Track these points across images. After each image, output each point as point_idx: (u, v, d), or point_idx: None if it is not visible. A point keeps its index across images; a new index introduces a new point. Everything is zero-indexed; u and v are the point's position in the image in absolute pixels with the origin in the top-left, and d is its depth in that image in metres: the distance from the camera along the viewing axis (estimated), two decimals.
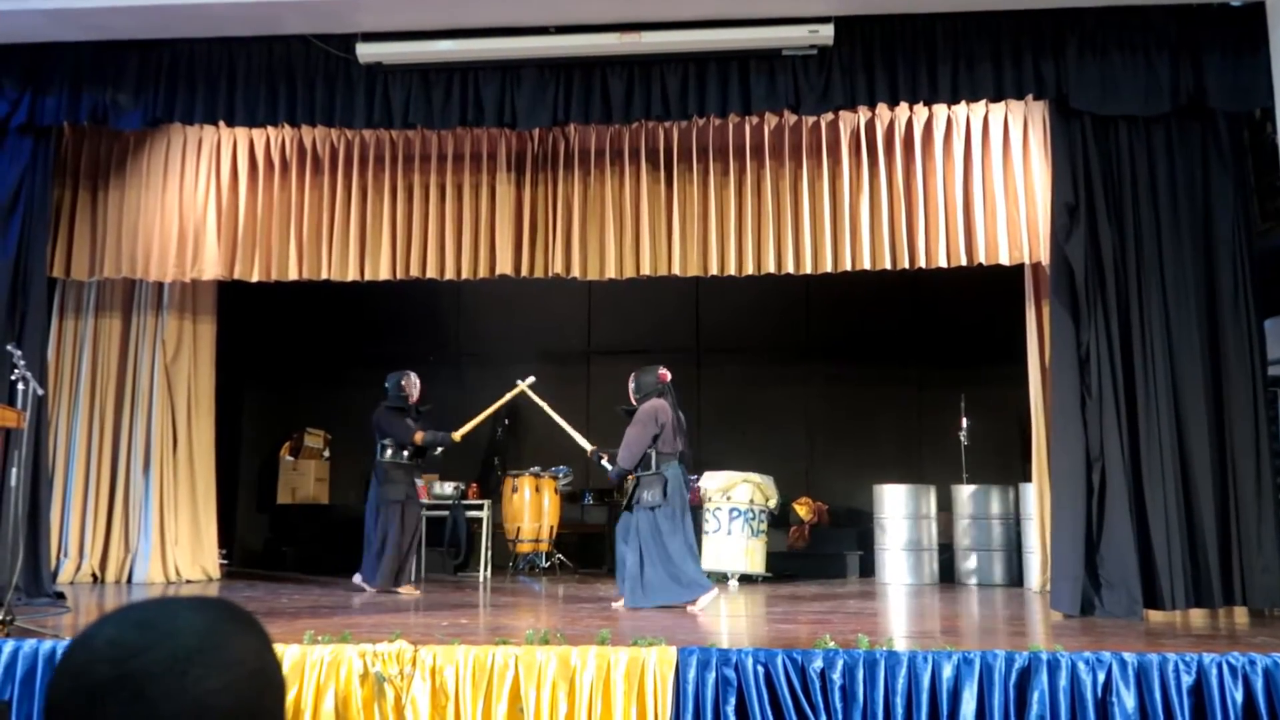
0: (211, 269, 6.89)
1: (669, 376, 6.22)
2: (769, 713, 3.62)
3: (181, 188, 6.94)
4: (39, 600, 5.72)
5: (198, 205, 6.92)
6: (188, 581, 7.39)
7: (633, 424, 6.05)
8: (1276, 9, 5.52)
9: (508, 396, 7.32)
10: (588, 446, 6.60)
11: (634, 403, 6.18)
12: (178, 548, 7.46)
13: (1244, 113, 5.91)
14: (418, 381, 7.24)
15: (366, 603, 6.25)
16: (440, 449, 7.24)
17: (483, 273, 6.82)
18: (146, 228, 6.89)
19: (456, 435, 7.20)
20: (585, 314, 9.68)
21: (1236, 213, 5.68)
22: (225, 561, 8.05)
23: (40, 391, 5.62)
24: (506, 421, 9.43)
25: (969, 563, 7.89)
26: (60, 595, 5.92)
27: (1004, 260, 6.39)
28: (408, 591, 6.86)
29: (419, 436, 7.06)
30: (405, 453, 7.08)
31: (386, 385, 7.18)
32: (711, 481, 7.99)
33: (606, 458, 6.34)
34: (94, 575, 7.30)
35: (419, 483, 7.54)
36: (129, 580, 7.30)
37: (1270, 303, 5.87)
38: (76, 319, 7.56)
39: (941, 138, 6.54)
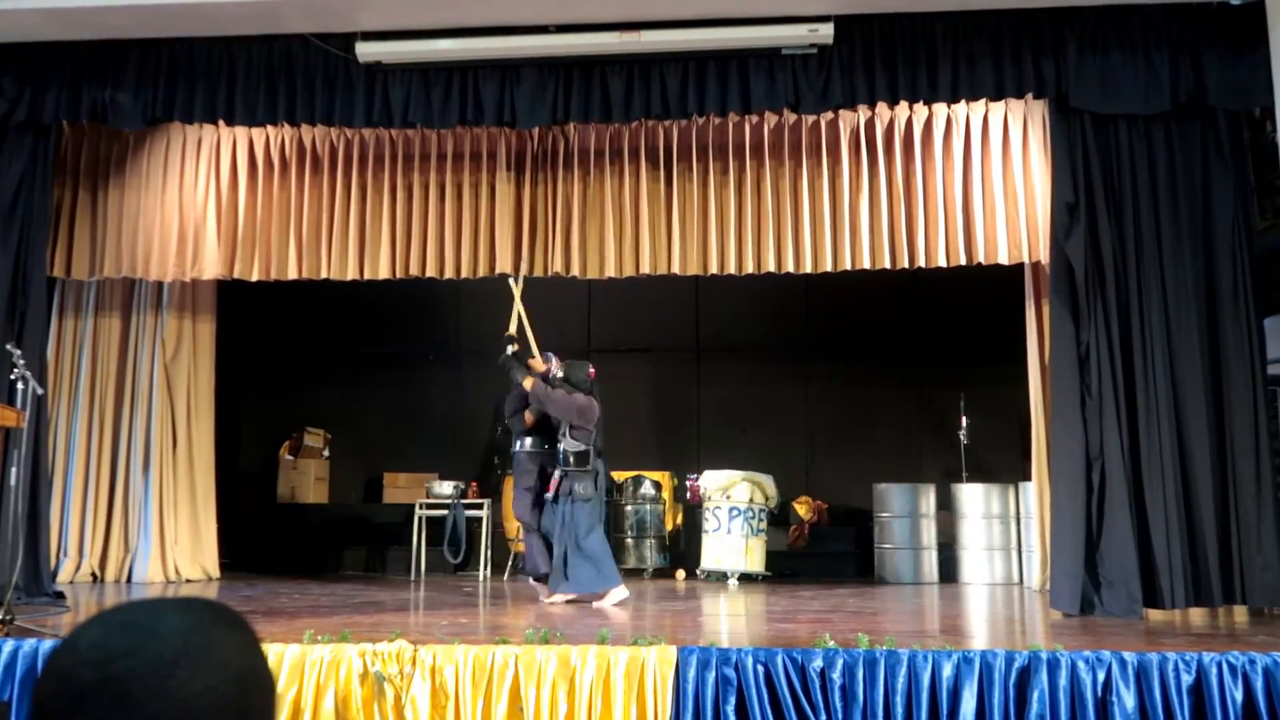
0: (211, 268, 6.88)
1: (595, 373, 6.48)
2: (769, 712, 3.62)
3: (181, 187, 6.94)
4: (39, 599, 5.72)
5: (197, 204, 6.92)
6: (188, 581, 7.39)
7: (572, 396, 6.23)
8: (1276, 8, 5.52)
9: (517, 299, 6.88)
10: (509, 350, 6.60)
11: (554, 381, 6.36)
12: (177, 547, 7.46)
13: (1244, 111, 5.91)
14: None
15: (364, 602, 6.25)
16: (517, 366, 6.58)
17: (482, 272, 6.82)
18: (146, 227, 6.88)
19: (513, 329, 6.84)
20: (585, 313, 9.67)
21: (1236, 211, 5.68)
22: (225, 561, 8.05)
23: (40, 391, 5.62)
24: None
25: (969, 562, 7.89)
26: (60, 594, 5.92)
27: (1004, 259, 6.38)
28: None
29: (529, 382, 6.46)
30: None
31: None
32: (711, 480, 7.99)
33: (518, 368, 6.46)
34: (94, 575, 7.29)
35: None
36: (129, 580, 7.29)
37: (1270, 301, 5.87)
38: (76, 318, 7.55)
39: (941, 137, 6.53)
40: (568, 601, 6.00)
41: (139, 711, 0.83)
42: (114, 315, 7.62)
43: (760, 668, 3.69)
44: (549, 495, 6.24)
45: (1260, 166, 6.12)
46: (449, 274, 6.85)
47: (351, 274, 6.83)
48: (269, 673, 0.94)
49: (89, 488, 7.42)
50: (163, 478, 7.50)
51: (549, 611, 5.65)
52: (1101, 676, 3.62)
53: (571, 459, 6.18)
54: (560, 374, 6.41)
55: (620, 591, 6.01)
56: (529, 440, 6.59)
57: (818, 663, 3.69)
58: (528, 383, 6.38)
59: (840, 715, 3.63)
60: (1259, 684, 3.57)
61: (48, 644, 3.94)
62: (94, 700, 0.84)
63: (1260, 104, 5.77)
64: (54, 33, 6.09)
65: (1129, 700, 3.58)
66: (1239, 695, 3.56)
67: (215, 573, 7.70)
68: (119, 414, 7.56)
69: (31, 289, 6.24)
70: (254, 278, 6.91)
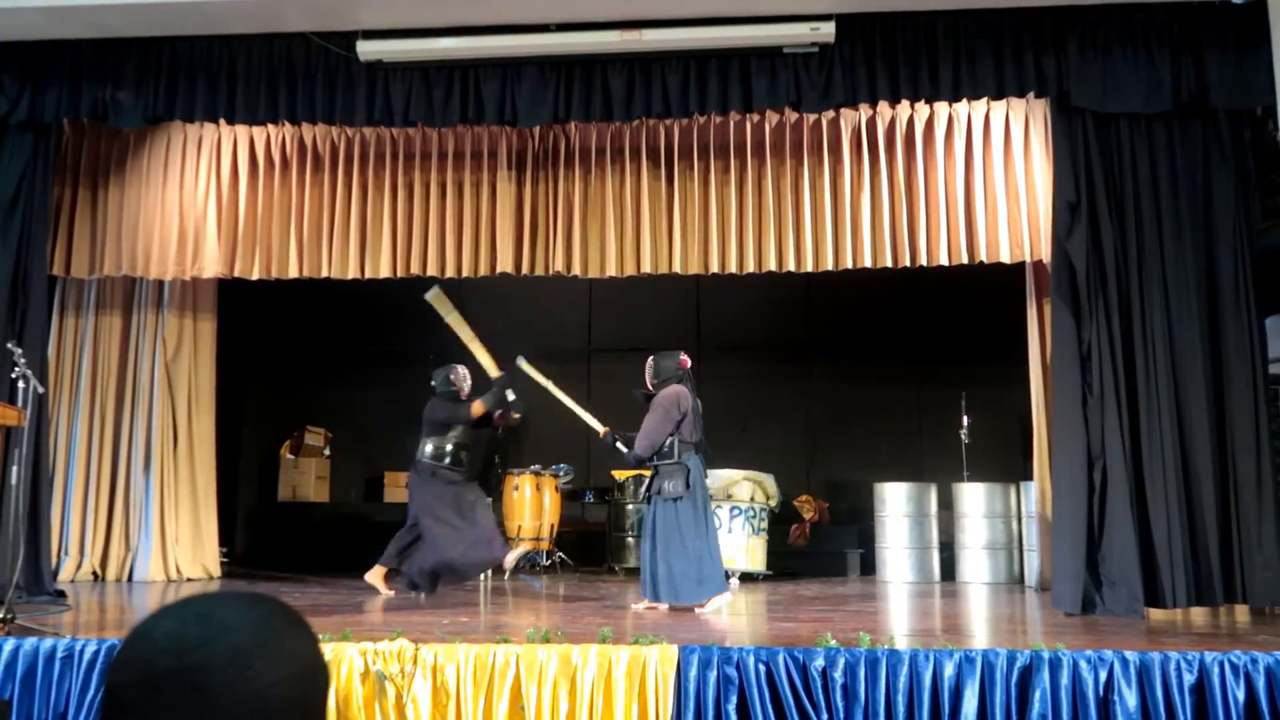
0: (212, 267, 6.88)
1: (689, 363, 5.95)
2: (770, 711, 3.62)
3: (182, 185, 6.94)
4: (39, 598, 5.72)
5: (198, 203, 6.91)
6: (188, 580, 7.39)
7: (652, 409, 5.72)
8: (1278, 6, 5.51)
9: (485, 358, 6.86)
10: (599, 428, 6.32)
11: (650, 388, 5.90)
12: (178, 546, 7.46)
13: (1245, 110, 5.90)
14: (467, 374, 6.78)
15: (365, 600, 6.24)
16: (511, 396, 6.73)
17: (483, 270, 6.81)
18: (147, 225, 6.88)
19: (492, 370, 6.78)
20: (586, 312, 9.67)
21: (1238, 210, 5.68)
22: (226, 559, 8.05)
23: (40, 389, 5.62)
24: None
25: (970, 561, 7.89)
26: (61, 593, 5.92)
27: (1005, 258, 6.38)
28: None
29: (477, 406, 6.59)
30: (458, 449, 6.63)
31: (434, 382, 6.77)
32: (713, 479, 7.98)
33: (621, 440, 6.06)
34: (94, 573, 7.29)
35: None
36: (129, 578, 7.30)
37: (1271, 300, 5.86)
38: (77, 317, 7.55)
39: (943, 135, 6.53)
40: (671, 609, 5.55)
41: (215, 701, 0.86)
42: (115, 314, 7.61)
43: (762, 667, 3.68)
44: (644, 494, 5.86)
45: (1262, 165, 6.11)
46: (450, 273, 6.85)
47: (352, 273, 6.83)
48: (327, 667, 0.98)
49: (90, 486, 7.42)
50: (164, 476, 7.49)
51: (641, 615, 5.44)
52: (1103, 676, 3.62)
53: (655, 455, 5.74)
54: (651, 373, 5.94)
55: (719, 600, 5.58)
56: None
57: (819, 662, 3.69)
58: (628, 450, 5.94)
59: (842, 714, 3.62)
60: (1261, 683, 3.56)
61: (48, 643, 3.94)
62: (171, 689, 0.86)
63: (1262, 103, 5.75)
64: (54, 31, 6.09)
65: (1131, 700, 3.58)
66: (1241, 694, 3.56)
67: (216, 571, 7.70)
68: (120, 413, 7.56)
69: (32, 287, 6.23)
70: (255, 276, 6.91)
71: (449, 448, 6.62)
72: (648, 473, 8.40)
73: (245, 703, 0.87)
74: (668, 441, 5.68)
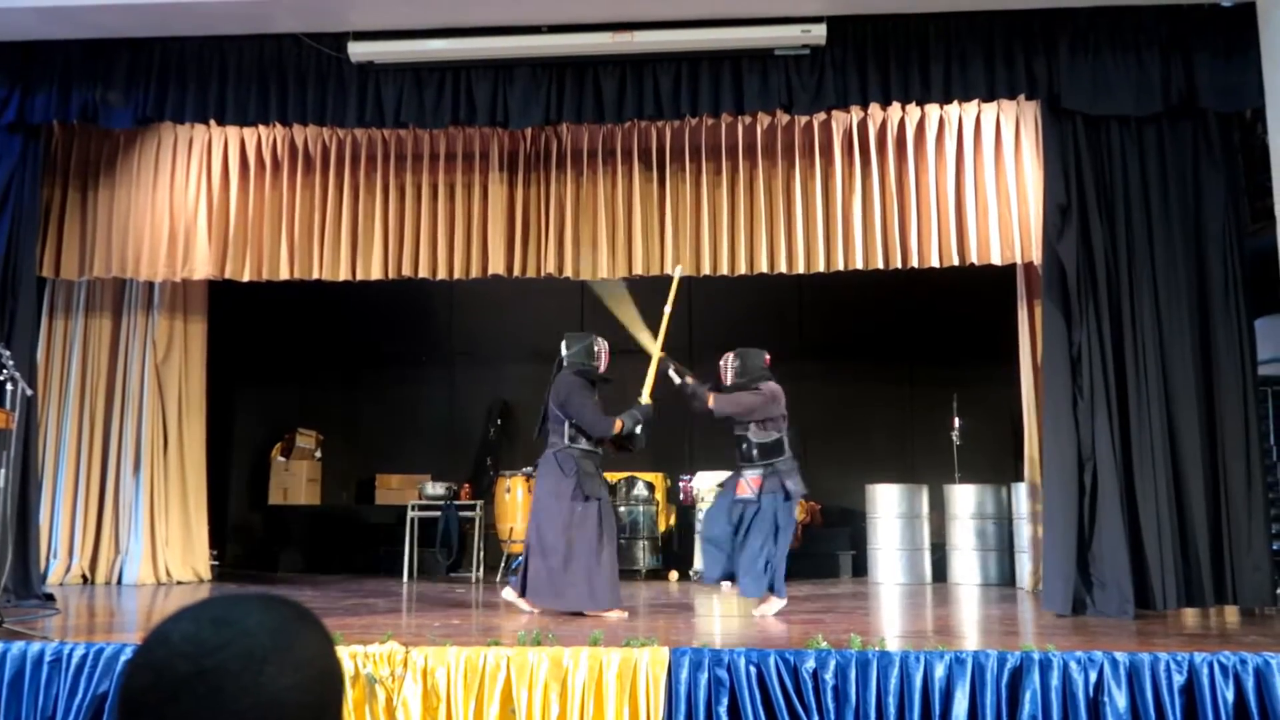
0: (202, 269, 6.86)
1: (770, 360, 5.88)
2: (761, 713, 3.62)
3: (172, 187, 6.92)
4: (28, 602, 5.69)
5: (188, 204, 6.89)
6: (178, 583, 7.36)
7: (756, 392, 5.65)
8: (1267, 9, 5.54)
9: (672, 295, 5.88)
10: (656, 352, 5.76)
11: (729, 384, 5.82)
12: (168, 549, 7.43)
13: (1235, 113, 5.93)
14: (607, 347, 5.85)
15: (356, 603, 6.22)
16: (640, 429, 5.67)
17: (475, 272, 6.81)
18: (137, 227, 6.86)
19: (645, 399, 5.74)
20: (578, 313, 9.65)
21: (1227, 212, 5.70)
22: (216, 562, 8.02)
23: (29, 392, 5.59)
24: (499, 421, 9.41)
25: (961, 562, 7.90)
26: (49, 597, 5.88)
27: (996, 260, 6.39)
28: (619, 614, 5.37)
29: (619, 425, 5.54)
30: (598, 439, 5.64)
31: (567, 351, 5.74)
32: (704, 481, 7.99)
33: (693, 378, 5.74)
34: (84, 576, 7.26)
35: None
36: (119, 581, 7.26)
37: (1261, 302, 5.89)
38: (66, 319, 7.52)
39: (934, 137, 6.54)
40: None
41: (231, 705, 0.87)
42: (104, 316, 7.59)
43: (753, 669, 3.68)
44: (748, 495, 5.63)
45: (1251, 168, 6.13)
46: (441, 275, 6.84)
47: (344, 274, 6.81)
48: (342, 670, 0.98)
49: (79, 489, 7.39)
50: (153, 479, 7.47)
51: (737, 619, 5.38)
52: (1093, 677, 3.62)
53: (760, 450, 5.65)
54: (736, 369, 5.78)
55: (778, 603, 5.53)
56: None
57: (810, 664, 3.68)
58: (713, 403, 5.70)
59: (833, 716, 3.62)
60: (1250, 684, 3.57)
61: (36, 646, 3.92)
62: (188, 693, 0.87)
63: (1251, 105, 5.78)
64: (44, 32, 6.07)
65: (1121, 700, 3.59)
66: (1230, 695, 3.57)
67: (206, 574, 7.67)
68: (109, 415, 7.53)
69: (21, 289, 6.20)
70: (245, 278, 6.89)
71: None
72: (651, 476, 8.41)
73: (261, 706, 0.87)
74: (781, 439, 5.68)
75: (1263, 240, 5.75)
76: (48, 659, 3.87)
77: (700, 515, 7.92)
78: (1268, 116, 5.59)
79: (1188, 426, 5.50)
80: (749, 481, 5.68)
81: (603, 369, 5.75)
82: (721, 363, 5.96)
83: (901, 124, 6.57)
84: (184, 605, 0.94)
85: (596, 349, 5.74)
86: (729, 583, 5.80)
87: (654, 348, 5.81)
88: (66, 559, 7.27)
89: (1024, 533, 7.22)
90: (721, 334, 9.52)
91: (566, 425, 5.53)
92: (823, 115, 6.47)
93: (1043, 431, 6.03)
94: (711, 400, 5.70)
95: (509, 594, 5.63)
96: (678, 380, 5.80)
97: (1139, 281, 5.65)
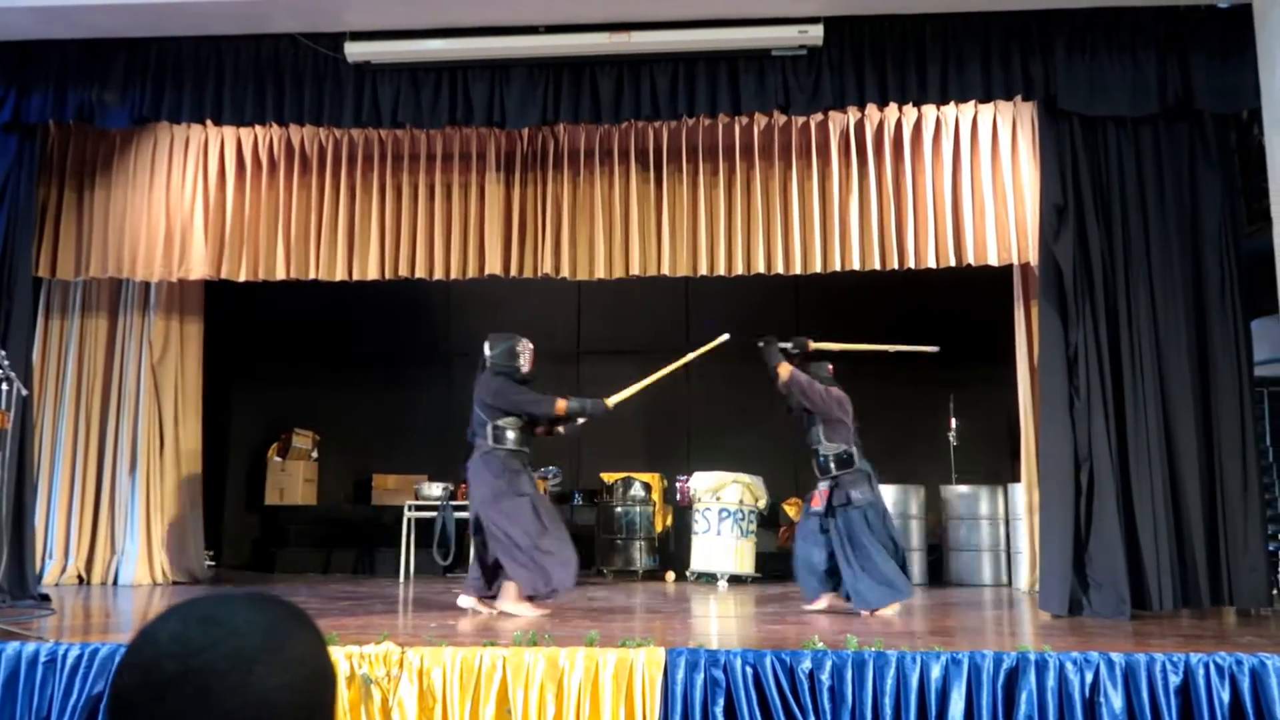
0: (199, 269, 6.85)
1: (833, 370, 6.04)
2: (757, 714, 3.61)
3: (169, 187, 6.91)
4: (23, 602, 5.67)
5: (185, 204, 6.88)
6: (174, 583, 7.35)
7: (827, 389, 5.83)
8: (1263, 11, 5.55)
9: (702, 350, 6.20)
10: (723, 336, 6.04)
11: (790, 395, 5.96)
12: (164, 549, 7.43)
13: (1231, 114, 5.94)
14: (531, 348, 5.81)
15: (352, 604, 6.21)
16: (582, 421, 5.71)
17: (472, 273, 6.80)
18: (133, 227, 6.85)
19: (612, 401, 5.74)
20: (575, 314, 9.66)
21: (1223, 213, 5.70)
22: (212, 563, 8.01)
23: (25, 392, 5.58)
24: None
25: (958, 563, 7.90)
26: (45, 597, 5.87)
27: (993, 260, 6.40)
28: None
29: (562, 405, 5.55)
30: (524, 438, 5.57)
31: (490, 352, 5.71)
32: (701, 482, 7.99)
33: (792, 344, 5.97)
34: (79, 577, 7.25)
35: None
36: (115, 582, 7.25)
37: (1257, 303, 5.89)
38: (62, 319, 7.51)
39: (930, 138, 6.55)
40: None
41: (219, 706, 0.86)
42: (101, 316, 7.58)
43: (749, 669, 3.68)
44: (819, 508, 5.70)
45: (1247, 169, 6.14)
46: (438, 275, 6.84)
47: (340, 275, 6.81)
48: (335, 670, 0.97)
49: (75, 489, 7.38)
50: (149, 479, 7.46)
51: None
52: (1089, 678, 3.62)
53: (832, 463, 5.73)
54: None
55: (898, 606, 5.51)
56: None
57: (806, 664, 3.68)
58: (783, 370, 5.85)
59: (829, 717, 3.62)
60: (1246, 685, 3.57)
61: (31, 647, 3.91)
62: (175, 692, 0.86)
63: (1247, 106, 5.79)
64: (40, 31, 6.06)
65: (1116, 701, 3.59)
66: (1226, 696, 3.57)
67: (202, 575, 7.67)
68: (105, 415, 7.52)
69: (17, 289, 6.19)
70: (242, 278, 6.88)
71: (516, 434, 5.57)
72: (648, 477, 8.40)
73: (249, 707, 0.86)
74: (850, 452, 5.75)
75: (1259, 241, 5.75)
76: (43, 660, 3.86)
77: (696, 516, 7.92)
78: (1264, 118, 5.60)
79: (1184, 427, 5.50)
80: (820, 493, 5.79)
81: (526, 369, 5.71)
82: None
83: (898, 125, 6.58)
84: (173, 604, 0.93)
85: (519, 349, 5.72)
86: (829, 596, 5.71)
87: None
88: (62, 559, 7.26)
89: (1020, 533, 7.23)
90: (719, 334, 9.54)
91: (489, 426, 5.50)
92: (820, 116, 6.48)
93: (1039, 432, 6.03)
94: (784, 370, 5.79)
95: (467, 601, 5.52)
96: (761, 343, 5.99)
97: (1135, 282, 5.66)
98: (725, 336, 6.15)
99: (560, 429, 5.77)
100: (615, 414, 5.86)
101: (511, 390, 5.56)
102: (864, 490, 5.64)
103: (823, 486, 5.78)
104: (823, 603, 5.70)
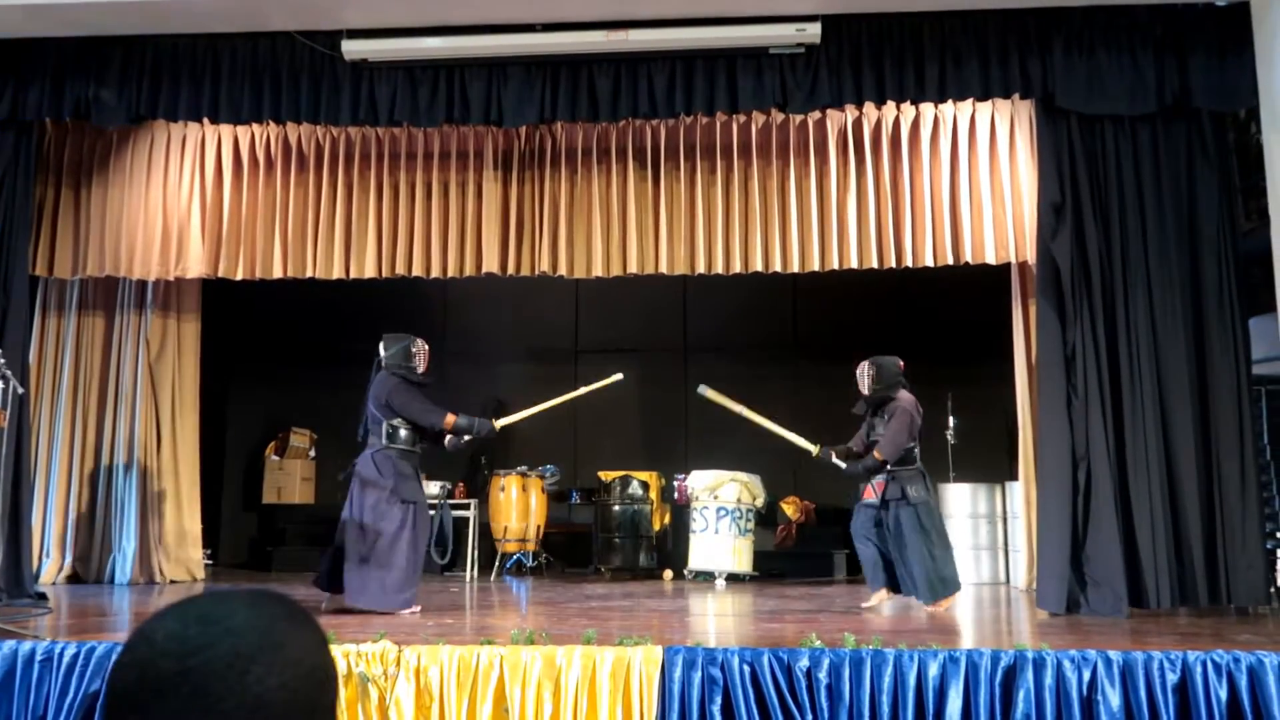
0: (196, 267, 6.84)
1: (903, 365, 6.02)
2: (755, 712, 3.61)
3: (165, 185, 6.89)
4: (20, 601, 5.67)
5: (182, 203, 6.87)
6: (172, 582, 7.34)
7: (896, 416, 5.77)
8: (1261, 9, 5.55)
9: (593, 386, 6.17)
10: (812, 449, 6.07)
11: (868, 393, 5.96)
12: (161, 548, 7.41)
13: (1229, 113, 5.94)
14: (426, 349, 5.78)
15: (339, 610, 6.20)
16: (468, 439, 5.73)
17: (469, 271, 6.79)
18: (130, 225, 6.84)
19: (499, 424, 5.74)
20: (573, 312, 9.66)
21: (1221, 212, 5.71)
22: (209, 562, 8.00)
23: (22, 390, 5.58)
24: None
25: (956, 561, 7.89)
26: (42, 596, 5.87)
27: (991, 259, 6.40)
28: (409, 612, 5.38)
29: (450, 420, 5.53)
30: (415, 438, 5.58)
31: (385, 352, 5.69)
32: (699, 480, 7.98)
33: (838, 455, 5.99)
34: (76, 575, 7.24)
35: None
36: (111, 581, 7.24)
37: (1255, 301, 5.90)
38: (59, 317, 7.50)
39: (928, 137, 6.54)
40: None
41: (216, 706, 0.85)
42: (97, 314, 7.56)
43: (746, 667, 3.67)
44: (873, 500, 5.79)
45: (1245, 168, 6.15)
46: (435, 273, 6.83)
47: (337, 273, 6.80)
48: (335, 668, 0.96)
49: (72, 488, 7.37)
50: (146, 478, 7.44)
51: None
52: (1087, 676, 3.63)
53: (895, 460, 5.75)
54: (873, 377, 5.92)
55: (953, 599, 5.66)
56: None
57: (804, 662, 3.68)
58: (847, 463, 5.94)
59: (826, 715, 3.62)
60: (1243, 683, 3.57)
61: (28, 645, 3.90)
62: (172, 692, 0.85)
63: (1245, 105, 5.79)
64: (37, 29, 6.04)
65: (1114, 699, 3.59)
66: (1224, 694, 3.57)
67: (199, 574, 7.65)
68: (102, 414, 7.50)
69: (14, 288, 6.19)
70: (239, 276, 6.87)
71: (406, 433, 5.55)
72: (646, 475, 8.39)
73: (246, 707, 0.85)
74: (912, 448, 5.79)
75: (1256, 240, 5.75)
76: (39, 658, 3.85)
77: (694, 514, 7.92)
78: (1261, 116, 5.61)
79: (1182, 425, 5.50)
80: (874, 485, 5.85)
81: (422, 370, 5.68)
82: (858, 372, 6.04)
83: (896, 123, 6.57)
84: (170, 603, 0.92)
85: (414, 350, 5.68)
86: (888, 591, 5.79)
87: (806, 443, 6.11)
88: (59, 558, 7.25)
89: (1018, 531, 7.23)
90: (717, 334, 9.55)
91: (384, 425, 5.49)
92: (817, 114, 6.47)
93: (1037, 430, 6.03)
94: (880, 455, 5.79)
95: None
96: (843, 465, 6.01)
97: (1133, 281, 5.66)
98: (618, 376, 6.17)
99: (445, 443, 5.72)
100: (507, 432, 6.04)
101: (405, 394, 5.51)
102: (920, 489, 5.70)
103: (877, 479, 5.82)
104: (876, 599, 5.78)
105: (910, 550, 5.59)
